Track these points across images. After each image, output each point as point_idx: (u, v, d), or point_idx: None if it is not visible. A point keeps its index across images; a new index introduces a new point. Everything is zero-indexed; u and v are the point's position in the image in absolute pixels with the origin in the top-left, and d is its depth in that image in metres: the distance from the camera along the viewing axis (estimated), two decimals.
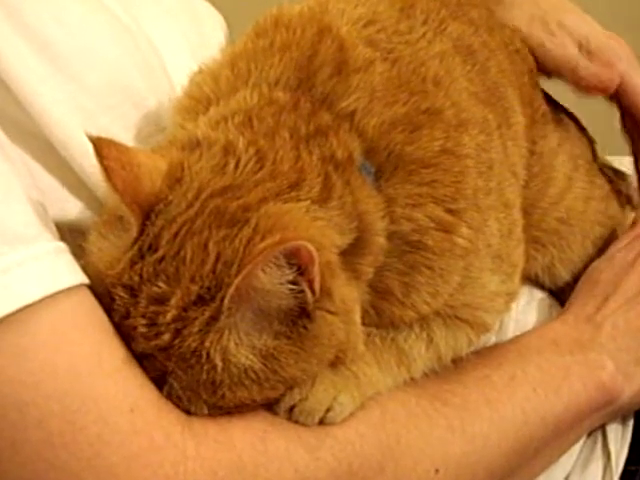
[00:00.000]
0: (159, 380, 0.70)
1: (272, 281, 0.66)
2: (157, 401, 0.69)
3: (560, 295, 1.03)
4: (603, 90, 1.01)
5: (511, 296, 0.86)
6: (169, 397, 0.70)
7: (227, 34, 1.02)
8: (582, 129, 1.07)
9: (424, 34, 0.81)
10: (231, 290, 0.66)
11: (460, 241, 0.76)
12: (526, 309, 0.98)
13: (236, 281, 0.66)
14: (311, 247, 0.65)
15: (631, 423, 0.95)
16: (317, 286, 0.67)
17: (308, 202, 0.70)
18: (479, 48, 0.86)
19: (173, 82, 0.85)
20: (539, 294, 1.01)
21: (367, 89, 0.75)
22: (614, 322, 0.93)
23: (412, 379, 0.81)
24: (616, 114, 1.08)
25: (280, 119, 0.73)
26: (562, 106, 1.06)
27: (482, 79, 0.84)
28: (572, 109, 1.09)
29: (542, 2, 1.02)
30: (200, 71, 0.80)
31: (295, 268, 0.67)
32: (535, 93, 0.97)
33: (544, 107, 0.99)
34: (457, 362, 0.84)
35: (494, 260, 0.82)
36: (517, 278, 0.86)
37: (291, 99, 0.74)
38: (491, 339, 0.91)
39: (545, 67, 1.01)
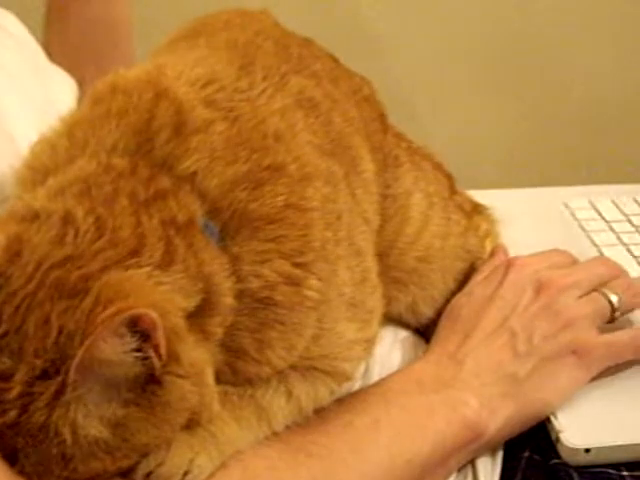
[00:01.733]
0: (10, 457, 0.68)
1: (115, 350, 0.66)
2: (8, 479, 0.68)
3: (425, 332, 1.04)
4: None
5: (370, 342, 0.86)
6: (22, 474, 0.68)
7: (78, 98, 1.01)
8: (438, 166, 1.09)
9: (264, 90, 0.82)
10: (74, 363, 0.65)
11: (310, 293, 0.77)
12: (391, 350, 0.99)
13: (79, 354, 0.65)
14: (153, 313, 0.65)
15: (500, 455, 0.95)
16: (163, 351, 0.67)
17: (150, 268, 0.69)
18: (322, 100, 0.87)
19: (20, 151, 0.84)
20: (403, 333, 1.03)
21: (207, 149, 0.75)
22: (476, 358, 0.94)
23: (274, 433, 0.80)
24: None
25: (119, 185, 0.73)
26: (417, 145, 1.08)
27: (326, 130, 0.85)
28: (429, 144, 1.11)
29: None
30: (39, 141, 0.80)
31: (139, 335, 0.66)
32: (385, 138, 0.98)
33: (396, 150, 1.00)
34: (320, 411, 0.84)
35: (349, 308, 0.82)
36: (375, 324, 0.87)
37: (129, 164, 0.74)
38: (356, 384, 0.92)
39: None
